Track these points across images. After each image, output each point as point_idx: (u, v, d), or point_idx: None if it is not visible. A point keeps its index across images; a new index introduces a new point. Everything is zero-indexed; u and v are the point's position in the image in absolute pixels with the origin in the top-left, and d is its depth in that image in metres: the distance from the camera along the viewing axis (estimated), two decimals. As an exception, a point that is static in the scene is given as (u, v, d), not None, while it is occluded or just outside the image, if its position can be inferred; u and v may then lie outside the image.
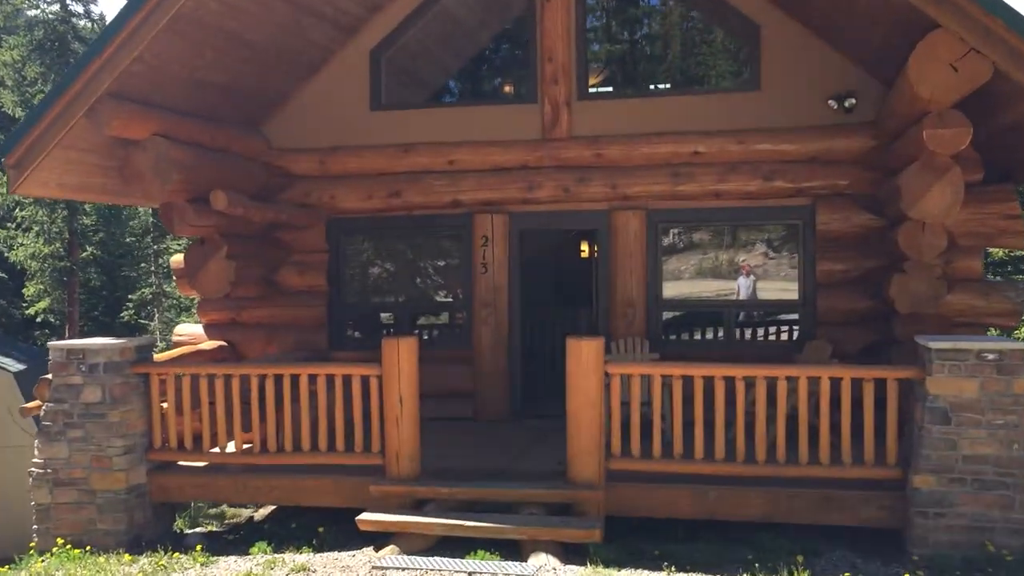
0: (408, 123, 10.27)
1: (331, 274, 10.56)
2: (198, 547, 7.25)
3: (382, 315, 11.06)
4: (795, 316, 9.76)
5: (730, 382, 7.15)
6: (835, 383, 6.92)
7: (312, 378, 7.76)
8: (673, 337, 10.15)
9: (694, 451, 7.09)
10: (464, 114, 10.24)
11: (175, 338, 10.83)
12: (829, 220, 9.38)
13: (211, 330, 10.63)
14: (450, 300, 10.80)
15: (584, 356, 7.10)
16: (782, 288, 9.85)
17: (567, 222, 10.26)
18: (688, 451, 7.12)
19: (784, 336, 9.94)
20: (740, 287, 10.07)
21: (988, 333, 9.33)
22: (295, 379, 7.78)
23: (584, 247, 15.44)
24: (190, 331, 10.84)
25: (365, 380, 7.64)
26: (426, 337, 11.10)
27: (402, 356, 7.44)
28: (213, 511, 10.63)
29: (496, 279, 10.17)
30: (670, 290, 10.02)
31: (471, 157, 10.07)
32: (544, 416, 10.13)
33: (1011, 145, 8.34)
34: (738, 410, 7.03)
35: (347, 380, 7.71)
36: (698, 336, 10.26)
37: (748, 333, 10.04)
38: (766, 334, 10.09)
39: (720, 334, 9.92)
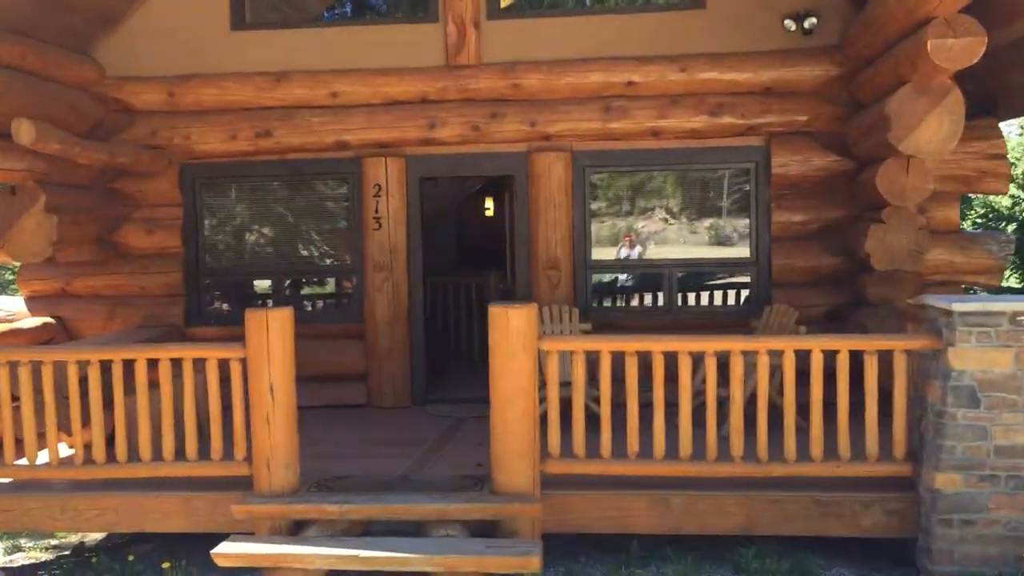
0: (280, 46, 8.37)
1: (187, 233, 8.61)
2: (-8, 599, 5.34)
3: (255, 283, 9.17)
4: (746, 278, 8.34)
5: (697, 359, 5.66)
6: (827, 357, 5.47)
7: (153, 363, 5.90)
8: (606, 304, 8.62)
9: (652, 448, 5.55)
10: (350, 35, 8.39)
11: (-13, 315, 8.68)
12: (786, 162, 7.97)
13: (35, 304, 8.57)
14: (337, 263, 8.98)
15: (513, 329, 5.45)
16: (728, 245, 8.41)
17: (477, 166, 8.57)
18: (646, 448, 5.57)
19: (732, 301, 8.51)
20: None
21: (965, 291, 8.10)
22: (129, 365, 5.89)
23: (490, 204, 13.76)
24: (8, 307, 8.71)
25: (224, 364, 5.82)
26: (309, 308, 9.27)
27: (273, 332, 5.64)
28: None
29: (392, 237, 8.41)
30: (601, 249, 8.45)
31: (359, 88, 8.25)
32: (454, 401, 8.50)
33: (1002, 70, 7.02)
34: (708, 395, 5.52)
35: (201, 365, 5.89)
36: (635, 303, 8.75)
37: (692, 298, 8.55)
38: (712, 299, 8.63)
39: (660, 300, 8.42)
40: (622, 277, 8.82)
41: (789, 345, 5.49)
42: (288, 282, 9.00)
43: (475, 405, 8.00)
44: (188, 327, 8.56)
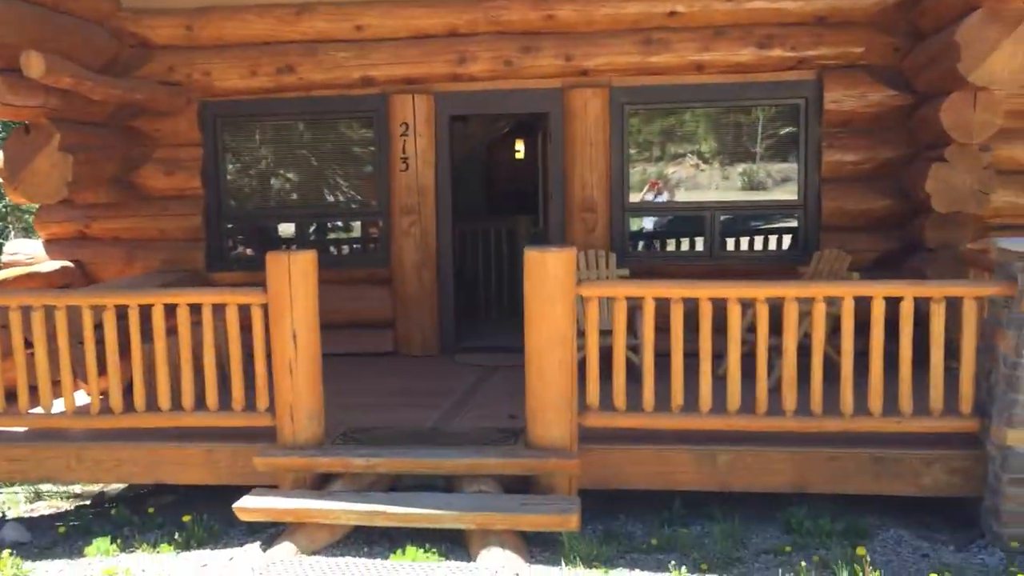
0: (302, -23, 7.95)
1: (207, 174, 8.27)
2: (6, 552, 5.12)
3: (279, 227, 8.83)
4: (793, 222, 7.90)
5: (745, 306, 5.28)
6: (890, 305, 5.07)
7: (171, 309, 5.60)
8: (643, 249, 8.24)
9: (698, 401, 5.20)
10: (376, -35, 7.95)
11: (5, 258, 8.45)
12: (840, 98, 7.48)
13: (53, 247, 8.31)
14: (363, 206, 8.62)
15: (550, 273, 5.09)
16: (774, 187, 7.97)
17: (509, 104, 8.15)
18: (690, 401, 5.23)
19: (777, 246, 8.10)
20: None
21: None
22: (146, 311, 5.61)
23: (520, 146, 13.32)
24: (28, 250, 8.46)
25: (245, 311, 5.52)
26: (334, 253, 8.94)
27: (295, 276, 5.33)
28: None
29: (420, 178, 8.03)
30: (639, 192, 8.05)
31: (385, 21, 7.82)
32: (484, 349, 8.21)
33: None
34: (759, 345, 5.15)
35: (222, 312, 5.59)
36: (674, 248, 8.35)
37: (735, 244, 8.15)
38: (755, 244, 8.23)
39: (701, 245, 8.01)
40: (661, 221, 8.42)
41: (848, 291, 5.10)
42: (313, 226, 8.68)
43: (506, 354, 7.72)
44: (210, 272, 8.27)
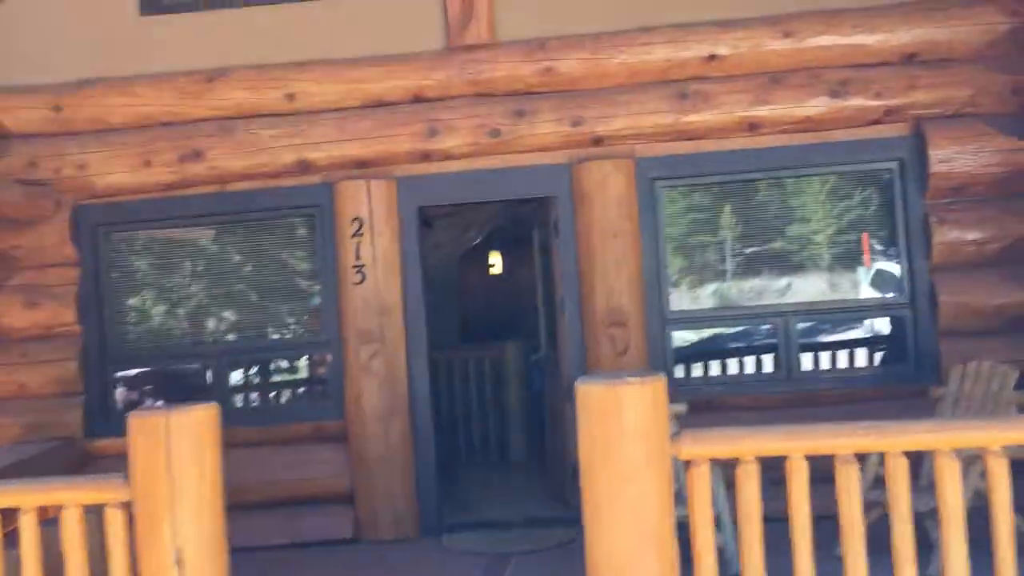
0: (211, 35, 6.05)
1: (86, 303, 6.06)
2: None
3: (193, 367, 6.55)
4: (895, 327, 5.86)
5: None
6: None
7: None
8: (695, 374, 6.11)
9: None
10: (309, 14, 6.04)
11: None
12: (949, 156, 5.57)
13: None
14: (304, 335, 6.42)
15: (628, 423, 2.87)
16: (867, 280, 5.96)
17: (499, 187, 6.07)
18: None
19: (881, 361, 6.02)
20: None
21: None
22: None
23: (495, 260, 11.21)
24: None
25: (96, 515, 3.21)
26: (269, 401, 6.67)
27: (179, 451, 3.08)
28: None
29: (383, 292, 5.87)
30: (681, 294, 5.99)
31: (326, 86, 5.91)
32: (483, 525, 5.96)
33: None
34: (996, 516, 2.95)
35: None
36: (736, 370, 6.22)
37: (820, 360, 6.06)
38: (851, 360, 6.12)
39: (773, 364, 5.89)
40: (715, 333, 6.32)
41: None
42: (233, 363, 6.41)
43: (513, 531, 5.49)
44: (90, 438, 5.95)
